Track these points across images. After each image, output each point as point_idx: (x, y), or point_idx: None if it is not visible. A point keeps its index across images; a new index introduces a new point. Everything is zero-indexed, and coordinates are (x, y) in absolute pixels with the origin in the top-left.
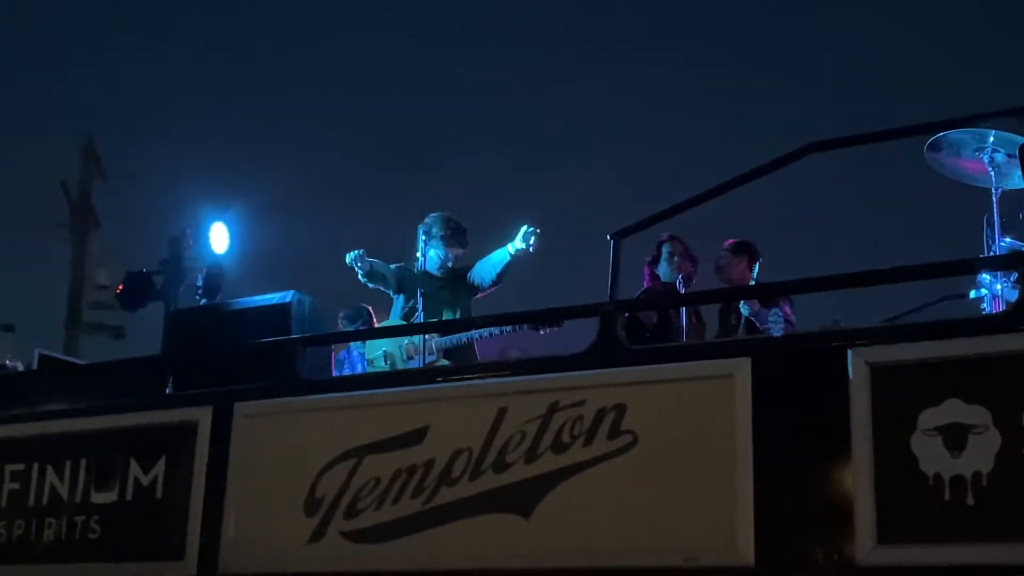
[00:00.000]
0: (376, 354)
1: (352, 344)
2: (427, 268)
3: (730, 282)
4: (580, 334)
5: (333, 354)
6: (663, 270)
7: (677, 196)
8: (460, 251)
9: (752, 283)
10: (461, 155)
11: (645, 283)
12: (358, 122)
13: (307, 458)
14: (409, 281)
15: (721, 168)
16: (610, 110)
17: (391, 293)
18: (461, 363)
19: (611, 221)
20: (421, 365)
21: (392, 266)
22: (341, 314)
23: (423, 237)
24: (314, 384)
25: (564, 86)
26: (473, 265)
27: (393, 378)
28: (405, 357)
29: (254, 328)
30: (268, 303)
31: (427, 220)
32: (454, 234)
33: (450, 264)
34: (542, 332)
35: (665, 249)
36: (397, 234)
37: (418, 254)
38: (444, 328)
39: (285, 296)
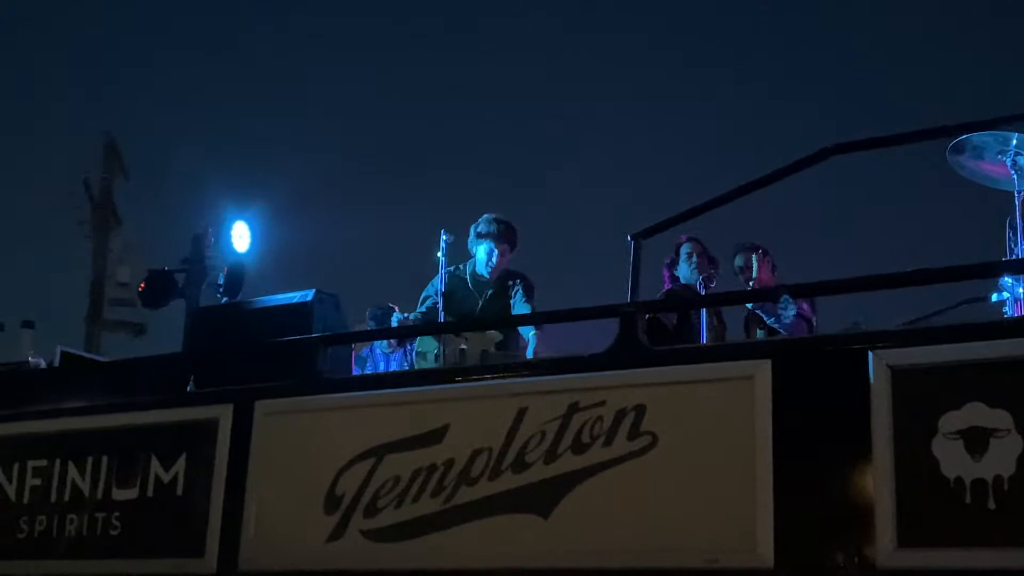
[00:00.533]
0: (428, 348)
1: (376, 342)
2: (476, 269)
3: (759, 284)
4: (600, 335)
5: (354, 352)
6: (683, 272)
7: (698, 198)
8: (508, 249)
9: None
10: (482, 154)
11: (665, 285)
12: (382, 122)
13: (327, 456)
14: (459, 289)
15: (742, 170)
16: (630, 108)
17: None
18: (480, 363)
19: (632, 222)
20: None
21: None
22: (368, 312)
23: (472, 237)
24: (335, 383)
25: (590, 86)
26: (519, 287)
27: (413, 377)
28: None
29: (275, 326)
30: (289, 301)
31: (478, 222)
32: (503, 232)
33: (494, 261)
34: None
35: (684, 251)
36: (417, 232)
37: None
38: (464, 328)
39: (306, 295)
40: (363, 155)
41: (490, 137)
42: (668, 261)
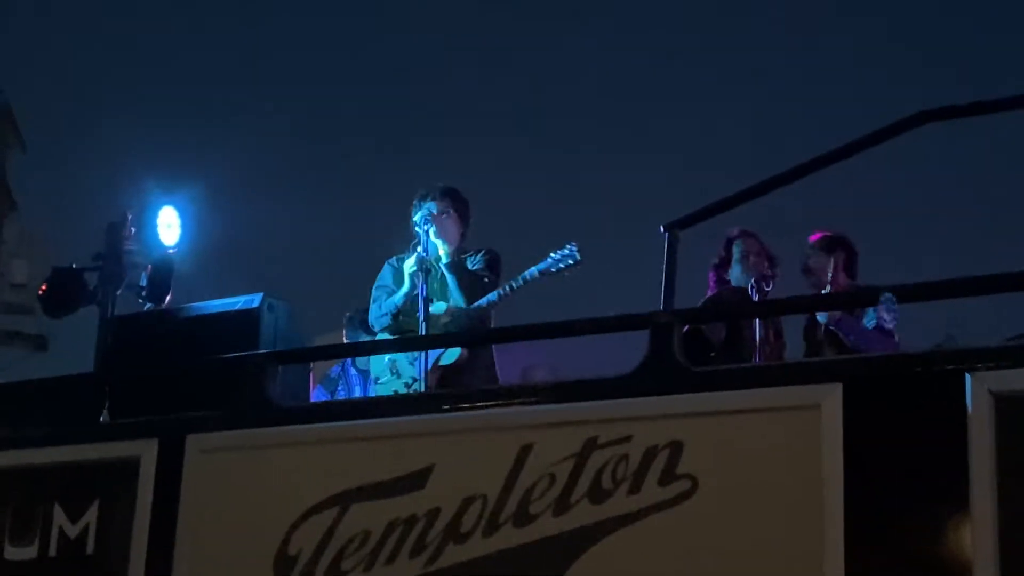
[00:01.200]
0: (380, 366)
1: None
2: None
3: (821, 287)
4: (626, 352)
5: (312, 373)
6: (735, 273)
7: (748, 179)
8: (457, 217)
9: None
10: (453, 138)
11: (710, 289)
12: (342, 95)
13: (279, 505)
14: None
15: (800, 147)
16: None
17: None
18: (472, 387)
19: (665, 210)
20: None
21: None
22: (346, 318)
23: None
24: (288, 412)
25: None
26: (482, 255)
27: (387, 406)
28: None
29: (213, 340)
30: (231, 309)
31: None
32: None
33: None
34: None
35: (737, 248)
36: (386, 222)
37: (418, 248)
38: (449, 343)
39: (252, 300)
40: (328, 132)
41: (478, 111)
42: (716, 261)
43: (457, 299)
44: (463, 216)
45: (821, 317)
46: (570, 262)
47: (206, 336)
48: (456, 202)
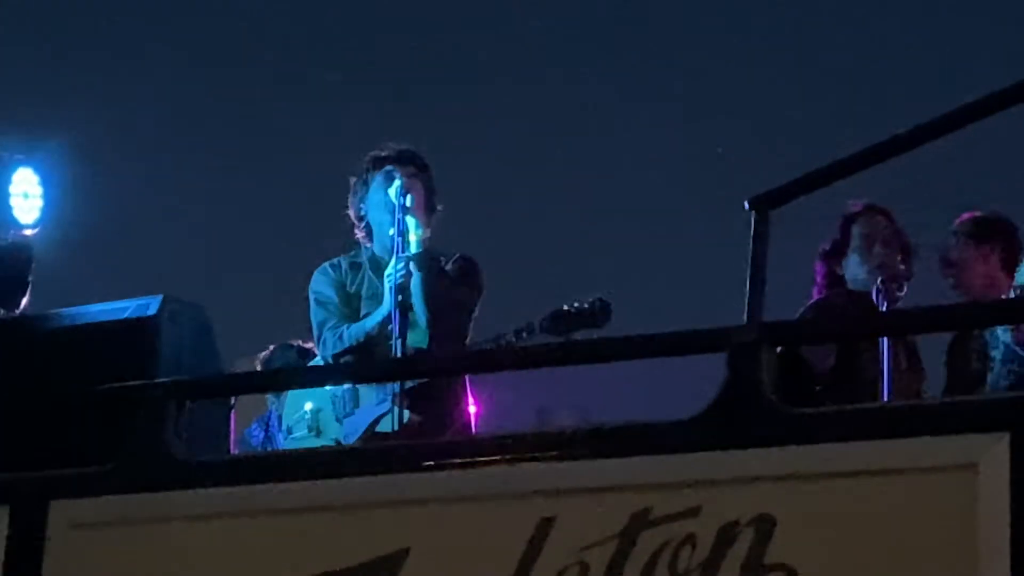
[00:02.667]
0: (296, 416)
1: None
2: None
3: (970, 290)
4: (692, 385)
5: (234, 417)
6: (852, 268)
7: (858, 143)
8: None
9: (1014, 291)
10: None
11: (816, 291)
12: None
13: None
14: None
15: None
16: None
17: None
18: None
19: (752, 182)
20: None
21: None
22: (263, 355)
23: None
24: (198, 469)
25: None
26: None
27: (342, 460)
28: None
29: (90, 363)
30: (117, 318)
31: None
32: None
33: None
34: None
35: (857, 231)
36: (322, 196)
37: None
38: (438, 370)
39: (148, 305)
40: (258, 72)
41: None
42: (827, 248)
43: (419, 314)
44: (430, 194)
45: (1004, 335)
46: (586, 322)
47: (80, 356)
48: (423, 171)
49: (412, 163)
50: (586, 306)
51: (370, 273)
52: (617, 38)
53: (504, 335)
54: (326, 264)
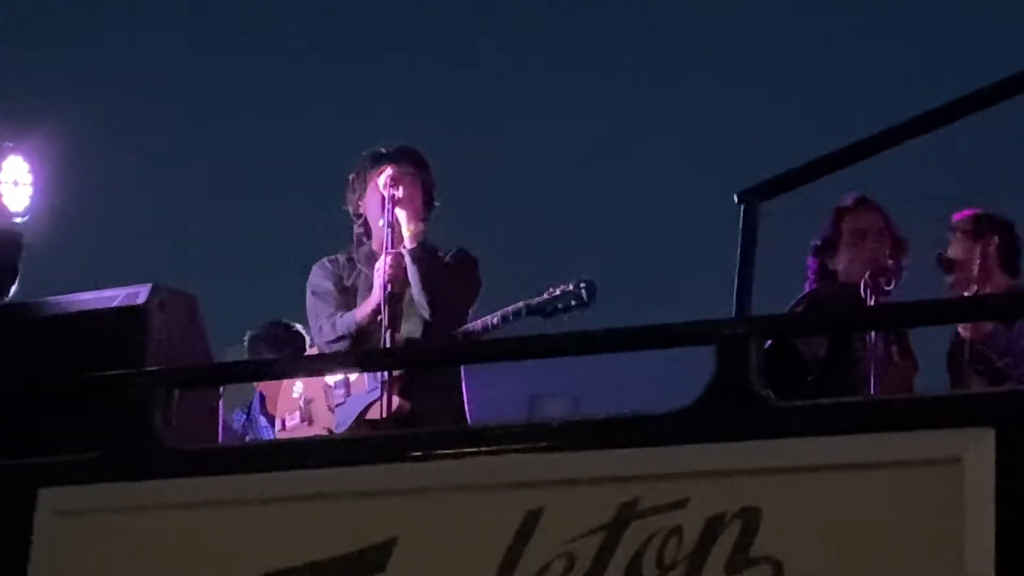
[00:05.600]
0: (289, 404)
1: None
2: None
3: (968, 287)
4: (680, 377)
5: (222, 405)
6: (843, 261)
7: (856, 133)
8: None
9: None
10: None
11: (808, 286)
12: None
13: None
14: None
15: (932, 91)
16: None
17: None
18: (449, 425)
19: (741, 176)
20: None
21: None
22: (249, 335)
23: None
24: (187, 458)
25: None
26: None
27: (330, 450)
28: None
29: (78, 351)
30: (107, 305)
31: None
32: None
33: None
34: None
35: (848, 225)
36: (314, 185)
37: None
38: (430, 360)
39: (137, 294)
40: (251, 55)
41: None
42: (818, 242)
43: (420, 304)
44: (429, 190)
45: (968, 332)
46: (572, 303)
47: (69, 344)
48: (421, 169)
49: (409, 160)
50: (571, 287)
51: (366, 269)
52: (606, 29)
53: (492, 321)
54: (324, 259)
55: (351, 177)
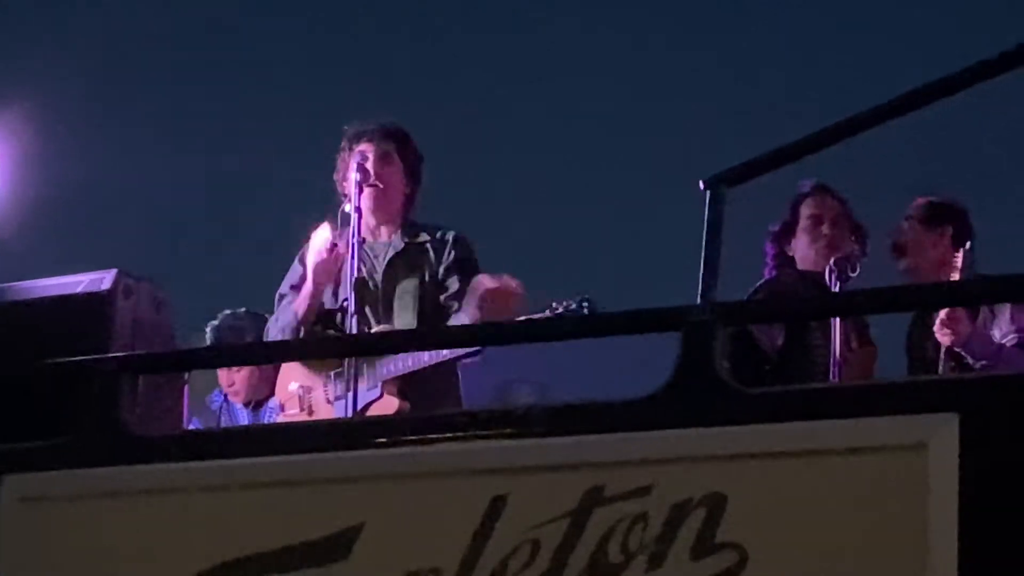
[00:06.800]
0: (288, 392)
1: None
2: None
3: (922, 274)
4: (645, 364)
5: (188, 395)
6: (802, 248)
7: (818, 121)
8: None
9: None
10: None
11: (767, 272)
12: None
13: None
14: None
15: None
16: None
17: None
18: (423, 410)
19: (707, 161)
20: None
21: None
22: (211, 325)
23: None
24: (152, 444)
25: None
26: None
27: (295, 437)
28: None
29: (42, 337)
30: (70, 292)
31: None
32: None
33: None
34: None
35: (807, 211)
36: (285, 168)
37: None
38: (401, 345)
39: (102, 280)
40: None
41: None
42: (777, 228)
43: (405, 310)
44: (413, 173)
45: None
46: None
47: (33, 330)
48: (404, 149)
49: (391, 137)
50: (573, 305)
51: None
52: (574, 11)
53: None
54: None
55: (336, 158)
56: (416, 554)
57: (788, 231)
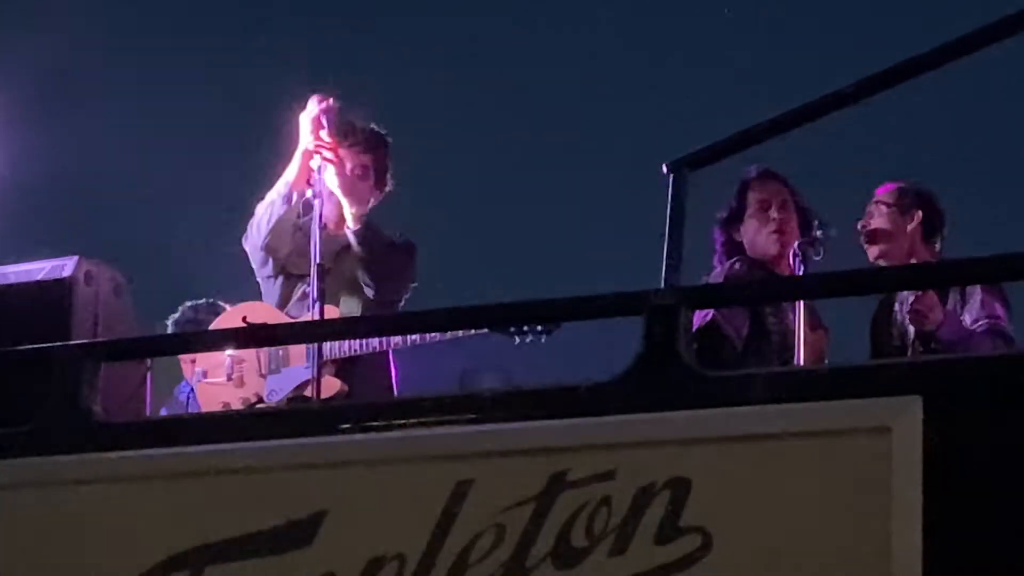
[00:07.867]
0: (215, 360)
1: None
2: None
3: (892, 259)
4: (609, 348)
5: (152, 377)
6: (750, 233)
7: (786, 103)
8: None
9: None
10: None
11: (716, 258)
12: None
13: (101, 566)
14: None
15: (865, 59)
16: None
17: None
18: (377, 398)
19: (670, 146)
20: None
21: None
22: (172, 319)
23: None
24: (114, 431)
25: None
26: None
27: (257, 424)
28: None
29: (5, 323)
30: (30, 279)
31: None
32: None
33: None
34: (519, 341)
35: (753, 196)
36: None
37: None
38: (360, 331)
39: (63, 266)
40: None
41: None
42: (724, 215)
43: (365, 283)
44: (379, 163)
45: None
46: (525, 329)
47: None
48: (378, 150)
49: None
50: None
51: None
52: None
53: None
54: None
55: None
56: (380, 540)
57: (736, 217)
